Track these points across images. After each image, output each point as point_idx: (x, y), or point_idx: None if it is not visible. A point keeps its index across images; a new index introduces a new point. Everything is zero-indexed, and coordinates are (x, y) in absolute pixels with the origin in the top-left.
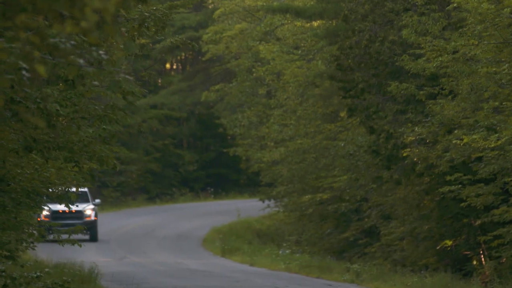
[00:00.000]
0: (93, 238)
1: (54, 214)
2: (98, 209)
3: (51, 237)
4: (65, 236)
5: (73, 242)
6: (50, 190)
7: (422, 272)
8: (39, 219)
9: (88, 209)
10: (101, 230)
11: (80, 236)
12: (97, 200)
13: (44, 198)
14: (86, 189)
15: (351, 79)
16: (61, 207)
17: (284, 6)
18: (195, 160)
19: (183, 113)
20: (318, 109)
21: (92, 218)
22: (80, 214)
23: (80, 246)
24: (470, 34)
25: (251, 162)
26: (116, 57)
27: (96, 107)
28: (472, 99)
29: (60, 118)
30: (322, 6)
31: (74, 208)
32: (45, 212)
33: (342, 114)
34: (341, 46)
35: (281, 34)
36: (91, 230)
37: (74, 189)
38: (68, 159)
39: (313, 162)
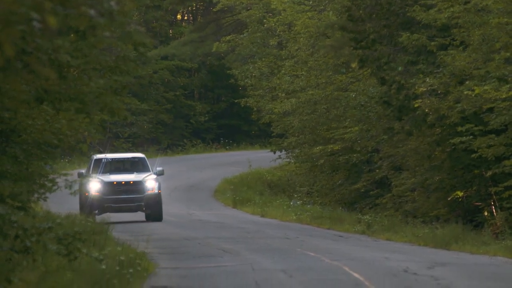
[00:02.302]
0: (156, 217)
1: (107, 187)
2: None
3: (98, 216)
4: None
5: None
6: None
7: (433, 223)
8: (87, 194)
9: (149, 179)
10: None
11: (138, 215)
12: (159, 168)
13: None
14: (143, 155)
15: (362, 30)
16: (115, 178)
17: None
18: (206, 111)
19: (194, 64)
20: (329, 60)
21: (156, 191)
22: (140, 186)
23: None
24: None
25: (262, 113)
26: (128, 8)
27: (107, 58)
28: (483, 50)
29: (71, 69)
30: None
31: (132, 178)
32: (95, 185)
33: (353, 65)
34: None
35: None
36: (153, 206)
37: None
38: (79, 110)
39: (324, 113)
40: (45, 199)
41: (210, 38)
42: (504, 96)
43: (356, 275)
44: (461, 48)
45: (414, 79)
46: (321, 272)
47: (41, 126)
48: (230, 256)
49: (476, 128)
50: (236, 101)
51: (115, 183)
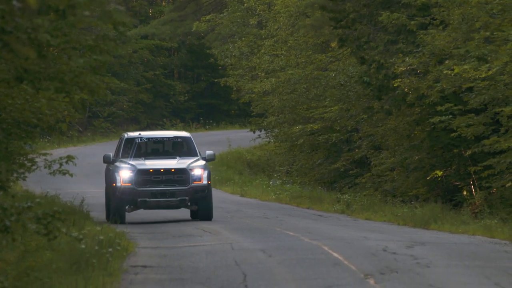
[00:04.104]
0: (205, 215)
1: (141, 176)
2: (81, 139)
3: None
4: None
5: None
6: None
7: (412, 202)
8: (114, 185)
9: (197, 166)
10: (93, 161)
11: (180, 212)
12: (210, 152)
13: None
14: (189, 135)
15: (342, 9)
16: (152, 164)
17: None
18: (186, 90)
19: (174, 44)
20: (309, 39)
21: (204, 182)
22: (184, 175)
23: (72, 176)
24: None
25: (242, 93)
26: None
27: (87, 37)
28: (463, 29)
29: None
30: None
31: (174, 165)
32: (125, 173)
33: (333, 45)
34: None
35: None
36: (201, 201)
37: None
38: (59, 89)
39: (304, 92)
40: (24, 179)
41: (190, 18)
42: (483, 76)
43: (335, 254)
44: (440, 27)
45: (393, 59)
46: (300, 252)
47: (20, 106)
48: (209, 236)
49: (455, 108)
50: (215, 80)
51: (151, 170)
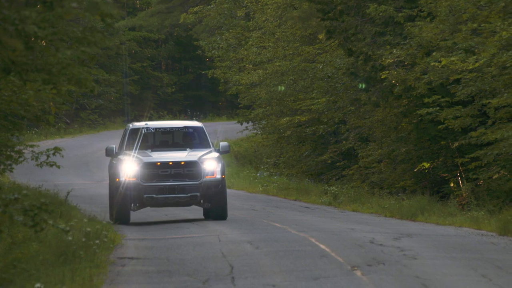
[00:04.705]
0: (219, 213)
1: (148, 170)
2: (69, 131)
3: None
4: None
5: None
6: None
7: (400, 194)
8: (118, 180)
9: (209, 159)
10: (80, 152)
11: (190, 210)
12: (224, 143)
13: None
14: (200, 124)
15: (330, 0)
16: (159, 157)
17: None
18: (173, 82)
19: (161, 35)
20: (297, 31)
21: (218, 176)
22: (195, 169)
23: (59, 167)
24: None
25: (229, 85)
26: None
27: (75, 29)
28: (450, 21)
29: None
30: None
31: (184, 158)
32: (130, 166)
33: (320, 37)
34: None
35: None
36: (214, 198)
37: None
38: (46, 81)
39: (291, 84)
40: (11, 170)
41: (178, 9)
42: (470, 67)
43: (322, 246)
44: (428, 19)
45: (381, 51)
46: (287, 243)
47: (8, 97)
48: (197, 227)
49: (442, 100)
50: (203, 72)
51: (158, 164)
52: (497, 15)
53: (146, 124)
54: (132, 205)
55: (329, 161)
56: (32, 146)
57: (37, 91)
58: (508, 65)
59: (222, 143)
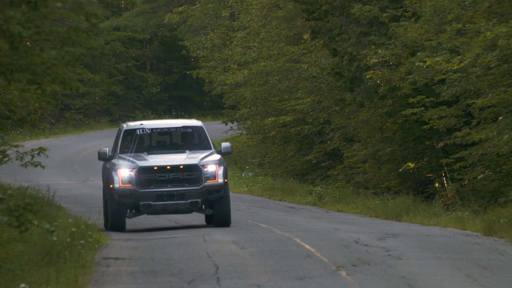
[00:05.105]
0: (222, 220)
1: (144, 174)
2: (58, 131)
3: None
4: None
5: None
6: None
7: (384, 194)
8: (111, 186)
9: (210, 162)
10: (65, 153)
11: (191, 216)
12: (226, 144)
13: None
14: (200, 124)
15: (315, 1)
16: (156, 160)
17: None
18: (158, 82)
19: (146, 35)
20: (282, 31)
21: (220, 180)
22: (195, 172)
23: (44, 167)
24: None
25: (214, 85)
26: None
27: (59, 29)
28: (435, 21)
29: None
30: None
31: (182, 161)
32: (124, 172)
33: (305, 37)
34: None
35: None
36: (216, 203)
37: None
38: (31, 81)
39: (276, 84)
40: None
41: (162, 9)
42: (455, 68)
43: (307, 246)
44: (413, 19)
45: (366, 51)
46: (272, 244)
47: None
48: (182, 228)
49: (427, 100)
50: (188, 72)
51: (155, 168)
52: (481, 16)
53: (142, 124)
54: (128, 211)
55: (314, 161)
56: (16, 146)
57: (21, 91)
58: (492, 65)
59: (224, 144)
